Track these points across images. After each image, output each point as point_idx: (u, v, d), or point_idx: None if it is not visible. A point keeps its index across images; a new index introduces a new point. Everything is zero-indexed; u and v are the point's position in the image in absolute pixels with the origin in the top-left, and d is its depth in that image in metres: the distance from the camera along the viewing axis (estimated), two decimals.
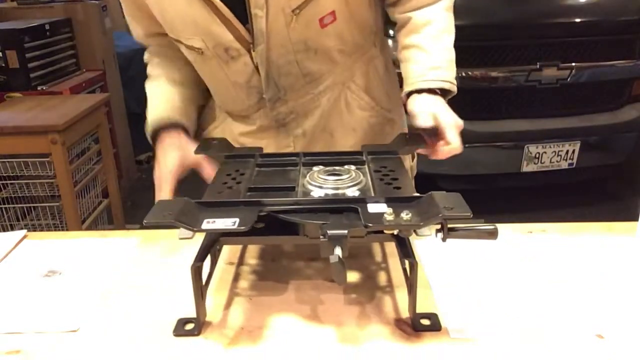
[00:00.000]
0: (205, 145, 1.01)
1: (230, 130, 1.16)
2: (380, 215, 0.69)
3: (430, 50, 1.01)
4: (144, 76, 1.20)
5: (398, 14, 1.06)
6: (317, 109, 1.09)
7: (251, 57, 1.01)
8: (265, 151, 1.04)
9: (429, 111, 0.94)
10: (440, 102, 0.98)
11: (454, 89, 1.00)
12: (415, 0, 1.03)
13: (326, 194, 0.79)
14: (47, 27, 2.92)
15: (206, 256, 0.76)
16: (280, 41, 0.99)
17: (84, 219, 2.41)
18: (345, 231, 0.67)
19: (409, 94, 1.00)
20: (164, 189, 0.99)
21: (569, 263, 0.91)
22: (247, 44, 0.99)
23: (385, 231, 0.72)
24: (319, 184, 0.81)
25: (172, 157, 1.02)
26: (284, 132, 1.11)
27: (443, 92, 1.00)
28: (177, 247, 0.98)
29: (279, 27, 0.97)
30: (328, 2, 0.98)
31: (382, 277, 0.88)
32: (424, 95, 0.98)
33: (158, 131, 1.08)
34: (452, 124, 0.93)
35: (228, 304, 0.82)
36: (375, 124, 1.14)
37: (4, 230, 1.81)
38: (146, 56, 1.19)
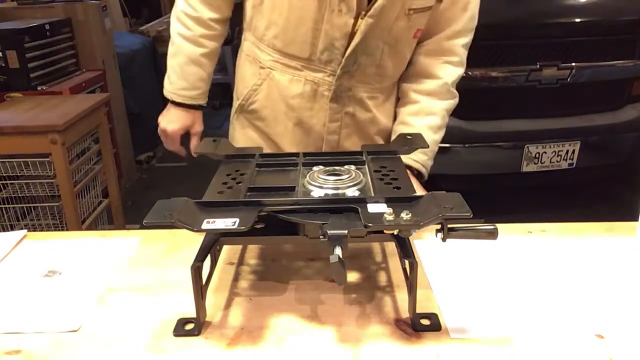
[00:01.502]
0: (206, 145, 1.01)
1: (278, 92, 1.18)
2: (380, 215, 0.69)
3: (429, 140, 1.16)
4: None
5: (412, 91, 1.20)
6: (370, 102, 1.18)
7: (355, 22, 1.07)
8: (313, 120, 1.16)
9: None
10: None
11: (426, 176, 1.21)
12: (430, 85, 1.18)
13: (326, 194, 0.79)
14: (47, 27, 2.91)
15: (206, 256, 0.76)
16: (384, 25, 1.09)
17: (84, 219, 2.41)
18: (345, 231, 0.67)
19: None
20: (171, 138, 1.27)
21: (568, 263, 0.91)
22: (361, 8, 1.06)
23: (385, 231, 0.72)
24: (319, 184, 0.81)
25: (182, 121, 1.26)
26: (335, 107, 1.16)
27: (418, 174, 1.19)
28: (177, 247, 0.98)
29: (391, 15, 1.08)
30: (424, 20, 1.12)
31: (382, 277, 0.88)
32: None
33: (180, 102, 1.26)
34: None
35: (228, 304, 0.82)
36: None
37: (4, 230, 1.80)
38: (181, 13, 1.21)
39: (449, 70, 1.18)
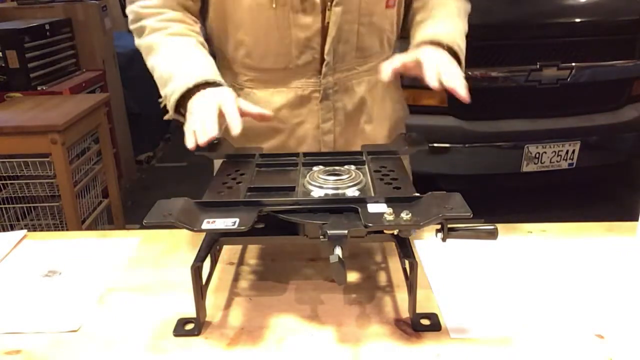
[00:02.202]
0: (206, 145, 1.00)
1: (259, 105, 1.08)
2: (380, 215, 0.69)
3: (448, 22, 1.09)
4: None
5: (417, 14, 1.15)
6: (358, 87, 1.14)
7: (323, 16, 1.04)
8: (306, 125, 1.11)
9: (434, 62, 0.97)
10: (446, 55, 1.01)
11: (461, 56, 1.04)
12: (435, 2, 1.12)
13: (326, 194, 0.79)
14: (47, 27, 2.91)
15: (206, 256, 0.76)
16: (353, 7, 1.05)
17: (84, 219, 2.41)
18: (345, 231, 0.67)
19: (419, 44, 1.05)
20: (230, 110, 0.88)
21: (568, 263, 0.91)
22: (326, 1, 1.03)
23: (385, 231, 0.72)
24: (319, 184, 0.82)
25: (212, 95, 0.94)
26: (326, 106, 1.13)
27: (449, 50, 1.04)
28: (177, 247, 0.99)
29: None
30: None
31: (382, 277, 0.88)
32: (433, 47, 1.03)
33: (202, 85, 0.96)
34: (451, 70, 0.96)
35: (228, 304, 0.82)
36: (399, 118, 1.23)
37: (4, 230, 1.80)
38: (156, 22, 1.05)
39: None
